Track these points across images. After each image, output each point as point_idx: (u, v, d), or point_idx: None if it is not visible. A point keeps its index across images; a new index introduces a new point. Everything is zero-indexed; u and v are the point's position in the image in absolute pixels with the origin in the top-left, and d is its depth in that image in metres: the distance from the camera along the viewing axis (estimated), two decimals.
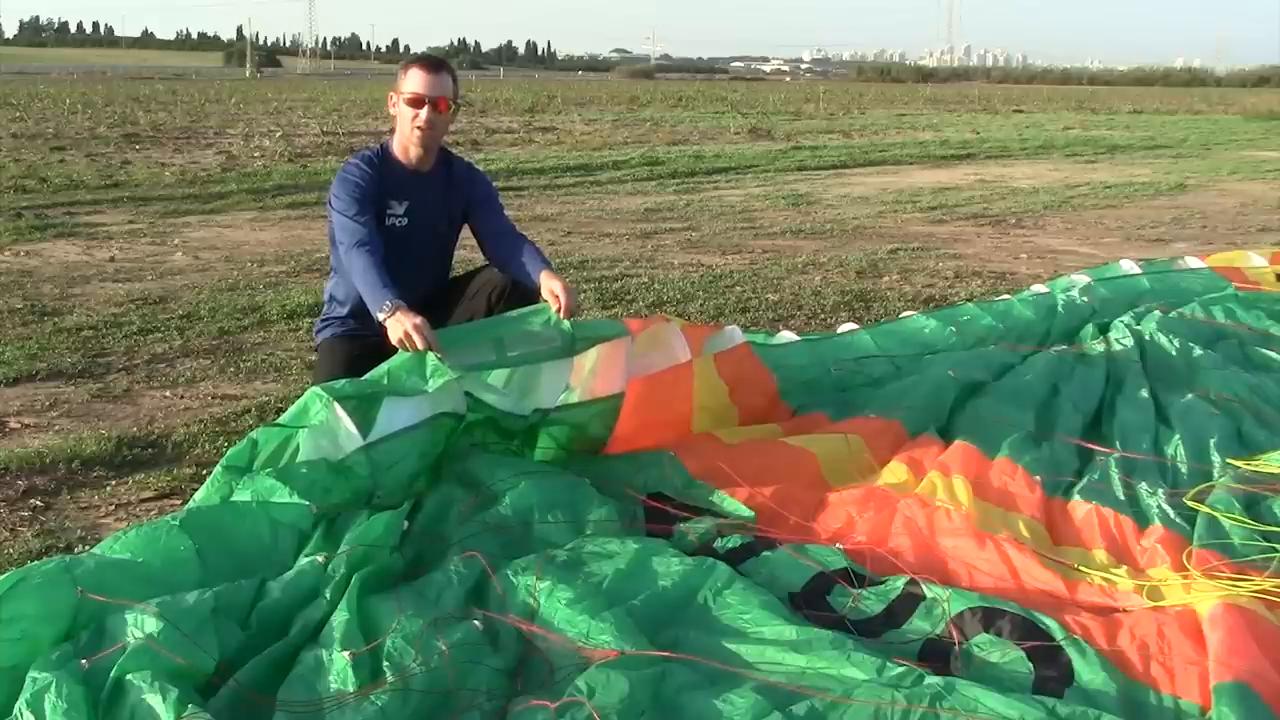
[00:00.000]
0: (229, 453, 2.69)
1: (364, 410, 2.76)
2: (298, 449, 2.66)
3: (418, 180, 3.53)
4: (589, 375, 3.29)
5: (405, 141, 3.49)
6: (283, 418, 2.78)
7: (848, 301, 6.40)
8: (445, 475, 2.94)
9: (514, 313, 3.33)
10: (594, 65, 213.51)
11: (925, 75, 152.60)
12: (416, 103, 3.41)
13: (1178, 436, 3.58)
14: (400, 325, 3.01)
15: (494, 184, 3.83)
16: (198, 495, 2.63)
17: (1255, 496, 3.13)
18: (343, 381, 2.84)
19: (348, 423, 2.70)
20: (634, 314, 5.98)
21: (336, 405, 2.70)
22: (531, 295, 3.37)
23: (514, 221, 3.80)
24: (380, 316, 3.10)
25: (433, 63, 3.49)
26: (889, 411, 3.64)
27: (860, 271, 7.48)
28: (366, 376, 2.93)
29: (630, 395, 3.31)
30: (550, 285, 3.27)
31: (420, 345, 2.98)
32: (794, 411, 3.81)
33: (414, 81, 3.42)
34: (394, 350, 3.06)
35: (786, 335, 4.55)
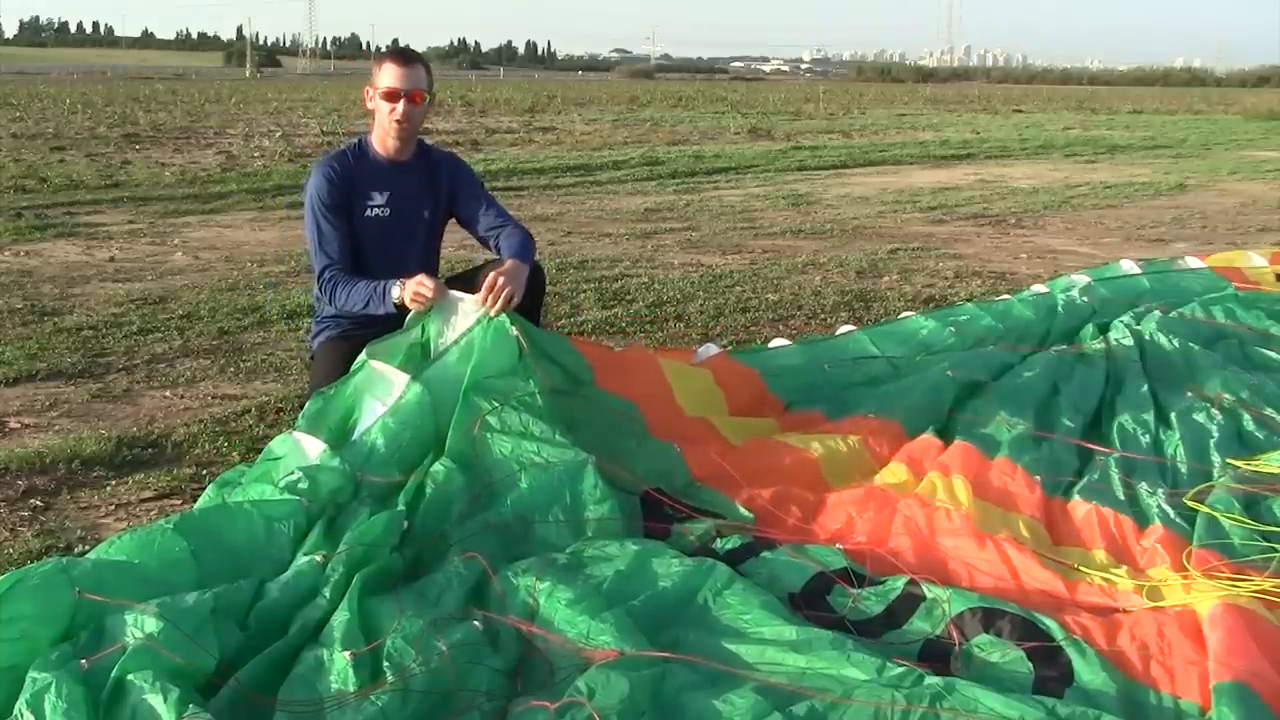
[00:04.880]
0: (220, 475, 2.81)
1: (331, 424, 2.91)
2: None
3: (397, 169, 3.60)
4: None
5: (384, 134, 3.55)
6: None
7: (847, 301, 6.41)
8: (449, 453, 2.85)
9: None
10: (594, 65, 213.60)
11: (925, 75, 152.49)
12: (392, 96, 3.47)
13: (1178, 436, 3.58)
14: (409, 289, 3.18)
15: (475, 170, 3.89)
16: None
17: (1255, 496, 3.13)
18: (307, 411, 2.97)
19: (310, 443, 2.83)
20: (634, 314, 5.99)
21: (295, 434, 2.87)
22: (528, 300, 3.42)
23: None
24: (396, 299, 3.24)
25: (406, 56, 3.53)
26: (888, 411, 3.63)
27: (860, 271, 7.49)
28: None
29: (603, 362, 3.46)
30: (497, 272, 3.21)
31: (430, 293, 3.13)
32: (787, 406, 3.81)
33: (388, 76, 3.47)
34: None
35: (780, 343, 4.52)
